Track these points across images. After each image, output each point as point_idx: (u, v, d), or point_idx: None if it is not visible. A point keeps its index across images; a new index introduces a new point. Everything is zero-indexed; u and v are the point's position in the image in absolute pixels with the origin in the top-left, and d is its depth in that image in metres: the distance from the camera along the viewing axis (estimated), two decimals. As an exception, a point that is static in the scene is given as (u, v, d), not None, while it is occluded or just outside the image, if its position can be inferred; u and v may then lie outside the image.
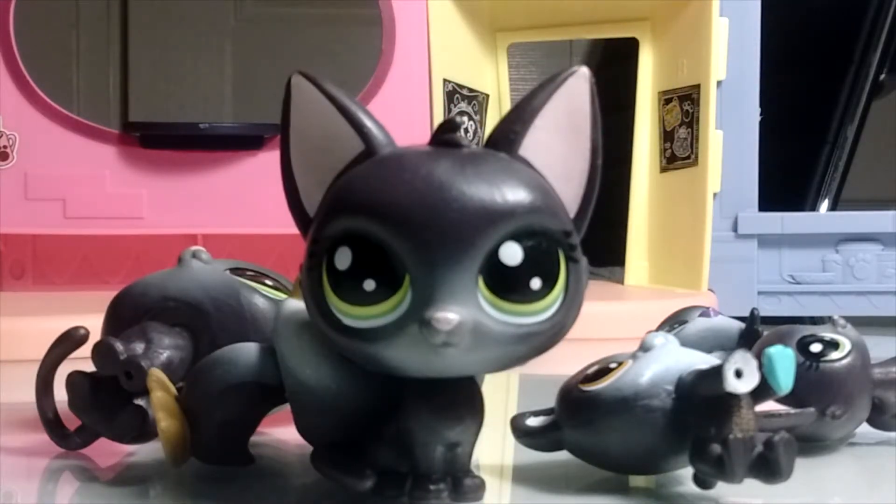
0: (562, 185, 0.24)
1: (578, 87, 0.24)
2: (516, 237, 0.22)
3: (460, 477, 0.24)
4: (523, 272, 0.22)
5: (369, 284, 0.22)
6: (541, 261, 0.23)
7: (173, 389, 0.28)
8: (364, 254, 0.23)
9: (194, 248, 0.33)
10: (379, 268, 0.22)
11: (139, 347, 0.30)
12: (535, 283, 0.23)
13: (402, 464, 0.24)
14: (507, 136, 0.24)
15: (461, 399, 0.24)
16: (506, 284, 0.22)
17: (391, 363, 0.23)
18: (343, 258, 0.23)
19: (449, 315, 0.22)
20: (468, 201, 0.22)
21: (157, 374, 0.28)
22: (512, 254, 0.22)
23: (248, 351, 0.27)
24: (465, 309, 0.22)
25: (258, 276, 0.33)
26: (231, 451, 0.27)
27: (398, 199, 0.22)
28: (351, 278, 0.23)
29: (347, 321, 0.23)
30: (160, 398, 0.27)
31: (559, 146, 0.24)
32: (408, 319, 0.22)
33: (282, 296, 0.32)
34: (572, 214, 0.24)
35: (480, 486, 0.25)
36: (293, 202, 0.25)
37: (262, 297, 0.32)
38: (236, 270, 0.33)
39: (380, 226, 0.22)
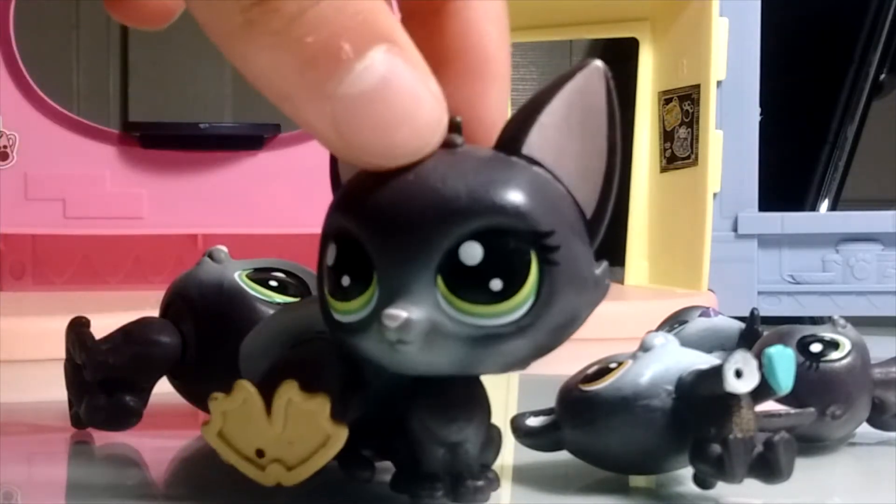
0: (577, 183, 0.23)
1: (592, 81, 0.23)
2: (478, 237, 0.22)
3: (465, 477, 0.24)
4: (482, 272, 0.22)
5: (346, 280, 0.23)
6: (504, 262, 0.22)
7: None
8: (344, 251, 0.23)
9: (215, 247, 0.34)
10: (353, 265, 0.23)
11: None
12: (496, 284, 0.22)
13: (407, 459, 0.25)
14: (511, 134, 0.23)
15: (457, 400, 0.24)
16: (464, 284, 0.22)
17: (369, 357, 0.23)
18: (330, 254, 0.23)
19: (397, 312, 0.22)
20: (429, 199, 0.22)
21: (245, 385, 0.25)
22: (471, 253, 0.22)
23: (329, 346, 0.26)
24: (420, 308, 0.22)
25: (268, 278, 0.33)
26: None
27: (373, 197, 0.23)
28: (334, 274, 0.23)
29: (335, 315, 0.23)
30: (312, 405, 0.24)
31: (572, 144, 0.23)
32: (374, 316, 0.22)
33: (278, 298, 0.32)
34: (589, 215, 0.24)
35: (484, 487, 0.25)
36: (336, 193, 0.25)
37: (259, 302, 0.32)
38: (258, 271, 0.33)
39: (354, 223, 0.23)
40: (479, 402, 0.25)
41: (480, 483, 0.25)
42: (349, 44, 0.21)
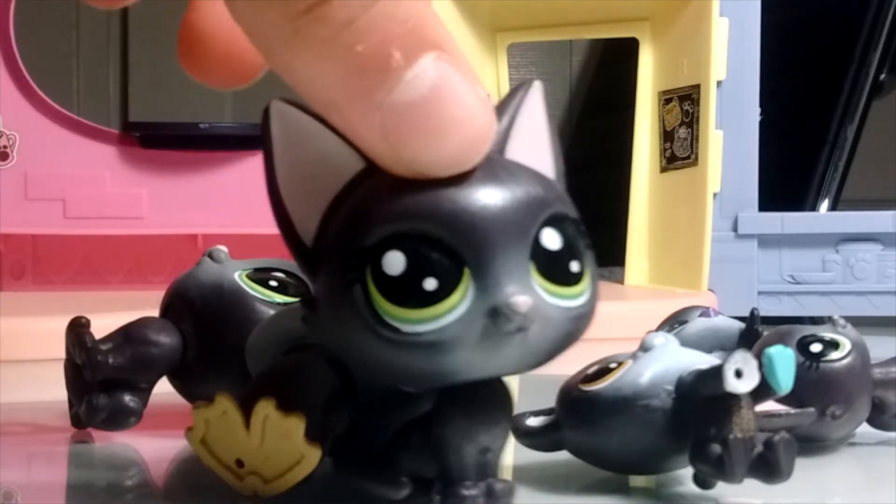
0: None
1: (536, 98, 0.25)
2: (552, 223, 0.23)
3: (492, 482, 0.24)
4: (564, 255, 0.23)
5: (430, 283, 0.22)
6: (573, 245, 0.23)
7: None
8: (418, 254, 0.22)
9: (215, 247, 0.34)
10: (437, 265, 0.22)
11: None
12: (574, 266, 0.23)
13: (429, 470, 0.24)
14: (498, 141, 0.24)
15: (494, 402, 0.24)
16: (553, 268, 0.23)
17: (451, 367, 0.22)
18: (395, 263, 0.22)
19: (523, 297, 0.22)
20: (512, 190, 0.22)
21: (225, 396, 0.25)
22: (553, 238, 0.23)
23: (322, 354, 0.26)
24: (530, 293, 0.22)
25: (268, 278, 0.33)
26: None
27: (444, 194, 0.22)
28: (408, 281, 0.22)
29: (407, 328, 0.22)
30: (288, 424, 0.24)
31: (529, 155, 0.24)
32: (474, 312, 0.22)
33: (280, 298, 0.32)
34: None
35: (512, 489, 0.25)
36: (288, 233, 0.24)
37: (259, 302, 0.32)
38: (258, 271, 0.33)
39: (431, 222, 0.22)
40: (511, 403, 0.25)
41: (509, 485, 0.24)
42: (399, 51, 0.21)
